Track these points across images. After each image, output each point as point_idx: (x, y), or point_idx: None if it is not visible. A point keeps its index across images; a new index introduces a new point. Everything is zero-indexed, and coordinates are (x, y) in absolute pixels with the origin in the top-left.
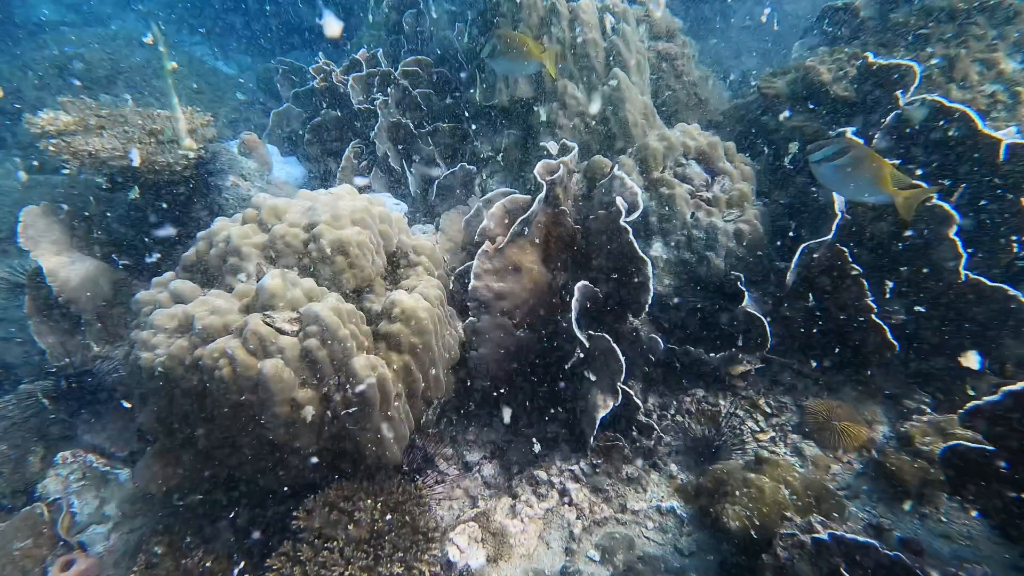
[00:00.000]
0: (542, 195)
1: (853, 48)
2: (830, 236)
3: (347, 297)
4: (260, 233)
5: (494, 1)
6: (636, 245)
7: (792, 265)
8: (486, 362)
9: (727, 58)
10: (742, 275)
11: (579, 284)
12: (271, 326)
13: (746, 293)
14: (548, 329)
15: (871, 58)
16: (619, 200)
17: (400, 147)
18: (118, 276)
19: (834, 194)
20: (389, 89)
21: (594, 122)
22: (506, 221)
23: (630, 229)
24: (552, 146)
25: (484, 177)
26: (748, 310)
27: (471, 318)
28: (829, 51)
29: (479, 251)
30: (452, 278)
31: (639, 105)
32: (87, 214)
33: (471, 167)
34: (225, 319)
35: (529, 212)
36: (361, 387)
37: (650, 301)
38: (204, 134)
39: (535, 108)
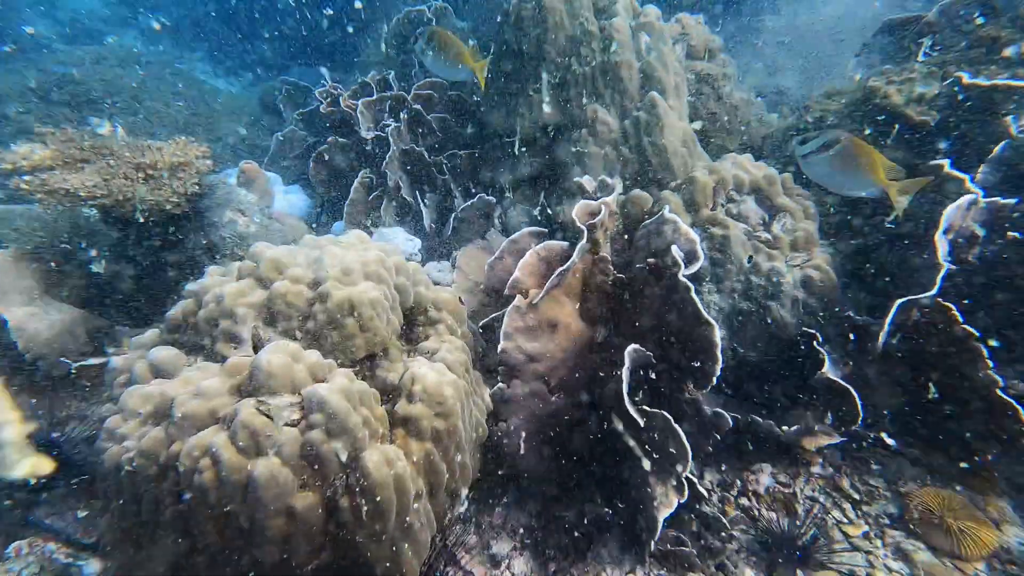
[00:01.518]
0: (583, 243)
1: (927, 66)
2: (933, 291)
3: (358, 366)
4: (258, 289)
5: (515, 20)
6: (700, 305)
7: (885, 325)
8: (517, 435)
9: (761, 76)
10: (817, 333)
11: (629, 349)
12: (266, 415)
13: (826, 357)
14: (589, 394)
15: (966, 78)
16: (675, 250)
17: (413, 177)
18: (98, 324)
19: (937, 240)
20: (402, 114)
21: (628, 150)
22: (539, 271)
23: (692, 287)
24: (588, 182)
25: (504, 208)
26: (831, 378)
27: (500, 384)
28: (896, 69)
29: (509, 308)
30: (478, 329)
31: (678, 131)
32: (65, 254)
33: (490, 198)
34: (211, 404)
35: (568, 264)
36: (374, 489)
37: (719, 373)
38: (198, 167)
39: (561, 134)
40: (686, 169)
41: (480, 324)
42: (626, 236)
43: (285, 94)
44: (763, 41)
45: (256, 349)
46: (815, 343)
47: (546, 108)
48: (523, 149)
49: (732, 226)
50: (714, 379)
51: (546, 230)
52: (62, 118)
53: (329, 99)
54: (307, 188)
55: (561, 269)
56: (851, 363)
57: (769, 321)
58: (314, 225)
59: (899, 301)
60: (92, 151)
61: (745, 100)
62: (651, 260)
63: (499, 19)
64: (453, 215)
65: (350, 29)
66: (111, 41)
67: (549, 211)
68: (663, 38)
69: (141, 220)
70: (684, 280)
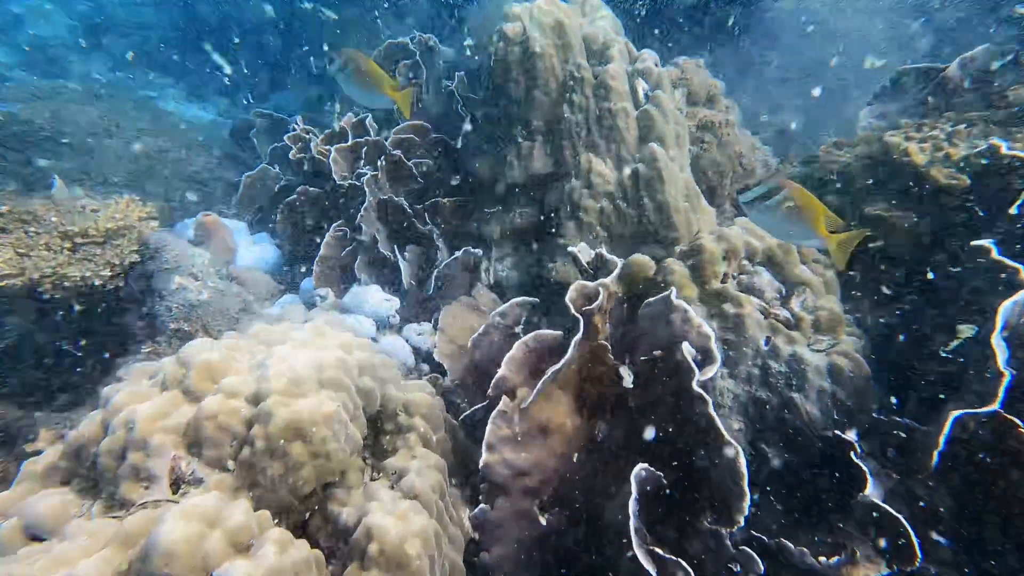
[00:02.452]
0: (578, 337)
1: (952, 123)
2: (994, 406)
3: (305, 503)
4: (184, 405)
5: (503, 65)
6: (720, 424)
7: (940, 442)
8: (501, 571)
9: (762, 111)
10: (856, 443)
11: (636, 471)
12: None
13: (868, 475)
14: (586, 509)
15: (1004, 148)
16: (686, 350)
17: (392, 229)
18: (12, 415)
19: (995, 344)
20: (380, 161)
21: (626, 204)
22: (529, 365)
23: (710, 401)
24: (583, 251)
25: (492, 261)
26: (879, 504)
27: (482, 506)
28: (915, 124)
29: (494, 413)
30: (458, 425)
31: (680, 185)
32: None
33: (476, 251)
34: None
35: (562, 362)
36: None
37: (747, 512)
38: (141, 231)
39: (554, 184)
40: (689, 226)
41: (460, 418)
42: (625, 305)
43: (259, 128)
44: (764, 77)
45: (174, 487)
46: (853, 454)
47: (537, 158)
48: (515, 198)
49: (746, 303)
50: (741, 520)
51: (536, 300)
52: (4, 164)
53: (300, 144)
54: (276, 239)
55: (554, 368)
56: (893, 474)
57: (791, 415)
58: (282, 285)
59: (954, 415)
60: (9, 217)
61: (749, 145)
62: (657, 353)
63: (488, 59)
64: (435, 271)
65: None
66: (74, 68)
67: (541, 268)
68: (662, 84)
69: (58, 298)
70: (699, 391)
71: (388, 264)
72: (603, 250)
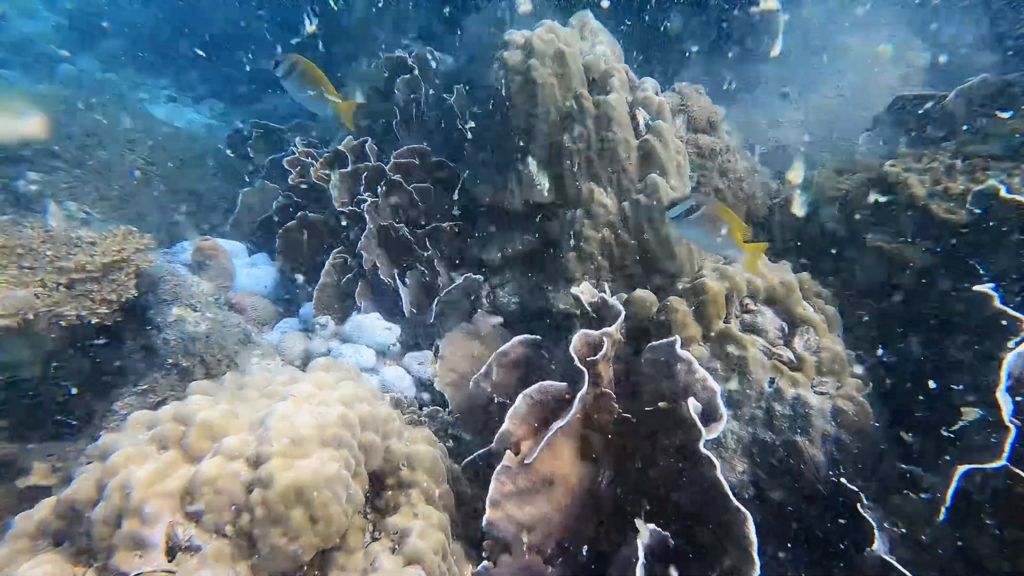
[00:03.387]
0: (583, 391)
1: (951, 155)
2: (1000, 462)
3: (303, 569)
4: (184, 465)
5: (503, 93)
6: (728, 489)
7: (947, 497)
8: None
9: (761, 129)
10: (861, 494)
11: (645, 535)
12: None
13: (876, 530)
14: (591, 560)
15: (1003, 192)
16: (692, 407)
17: (392, 255)
18: (3, 451)
19: (1001, 400)
20: (379, 187)
21: (627, 235)
22: (533, 417)
23: (718, 464)
24: (586, 291)
25: (493, 287)
26: (888, 560)
27: (485, 563)
28: (916, 154)
29: (498, 469)
30: (460, 471)
31: None
32: None
33: (477, 277)
34: None
35: (566, 419)
36: None
37: None
38: (138, 264)
39: (555, 212)
40: (691, 259)
41: (462, 465)
42: (625, 343)
43: (255, 138)
44: (761, 91)
45: (171, 555)
46: (859, 506)
47: (538, 186)
48: (516, 223)
49: (750, 345)
50: None
51: (539, 338)
52: None
53: (298, 169)
54: (275, 262)
55: (558, 425)
56: (898, 524)
57: (795, 459)
58: (281, 309)
59: (962, 470)
60: (3, 251)
61: (749, 169)
62: (662, 404)
63: (492, 87)
64: (436, 299)
65: (334, 49)
66: (64, 68)
67: (542, 295)
68: (663, 113)
69: (53, 336)
70: (706, 454)
71: (388, 290)
72: (607, 293)
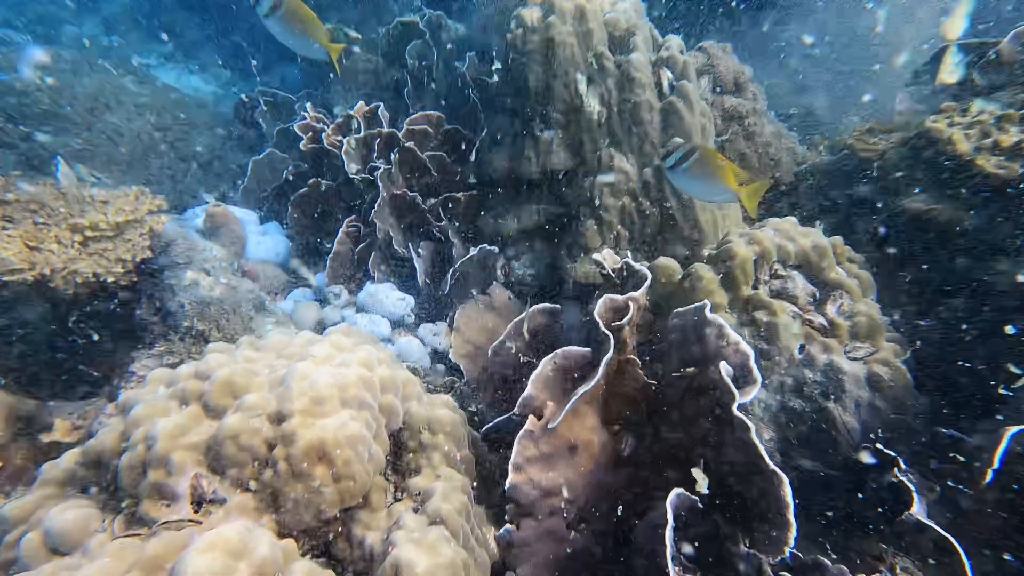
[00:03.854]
0: (608, 355)
1: (1004, 105)
2: None
3: (328, 526)
4: (205, 421)
5: (520, 53)
6: (764, 451)
7: (994, 459)
8: None
9: (787, 94)
10: (898, 458)
11: (672, 497)
12: None
13: (915, 493)
14: (616, 524)
15: None
16: (724, 371)
17: (406, 224)
18: (26, 407)
19: None
20: (392, 155)
21: (649, 203)
22: (556, 384)
23: (752, 427)
24: (608, 257)
25: (508, 258)
26: (927, 524)
27: (508, 526)
28: (960, 107)
29: (520, 433)
30: (479, 437)
31: None
32: None
33: (492, 248)
34: None
35: (592, 383)
36: None
37: (792, 544)
38: (152, 224)
39: (573, 179)
40: (715, 226)
41: (482, 431)
42: (652, 313)
43: (264, 106)
44: (788, 54)
45: (196, 506)
46: (897, 471)
47: (555, 152)
48: (533, 191)
49: (779, 310)
50: (787, 551)
51: (558, 307)
52: (3, 136)
53: (310, 134)
54: (287, 230)
55: (583, 390)
56: (937, 488)
57: (827, 426)
58: (294, 279)
59: (1012, 431)
60: (15, 206)
61: (775, 133)
62: (690, 370)
63: (503, 44)
64: (451, 270)
65: (336, 11)
66: (66, 29)
67: (559, 266)
68: (688, 73)
69: (69, 293)
70: (740, 417)
71: (402, 260)
72: (630, 258)
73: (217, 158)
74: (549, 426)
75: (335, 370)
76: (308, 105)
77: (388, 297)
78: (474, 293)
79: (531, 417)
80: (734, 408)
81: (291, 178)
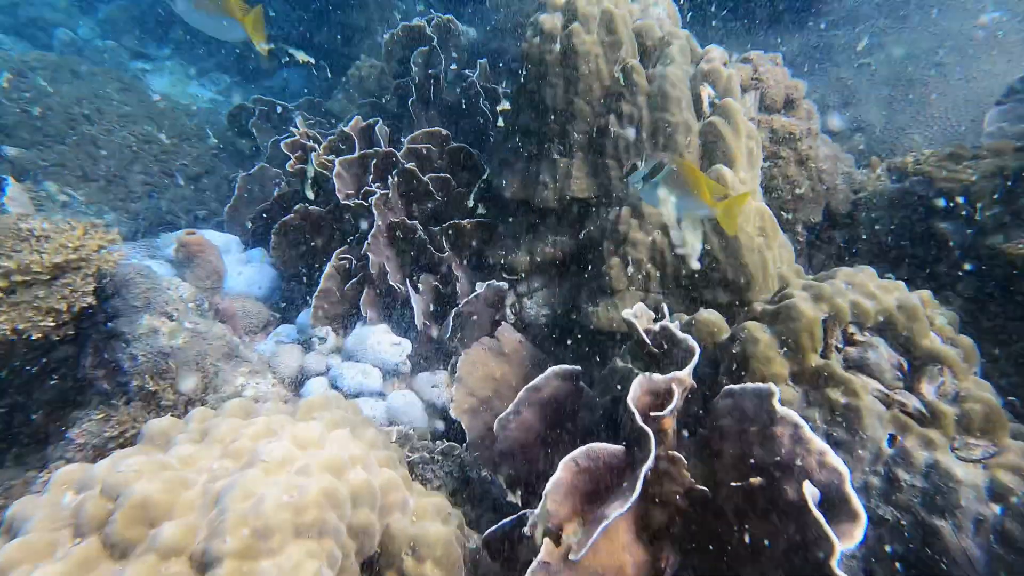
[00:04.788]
0: (647, 463)
1: None
2: None
3: None
4: (104, 563)
5: (537, 64)
6: None
7: None
8: None
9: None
10: None
11: None
12: None
13: None
14: None
15: None
16: (809, 496)
17: (404, 256)
18: None
19: None
20: (390, 177)
21: None
22: (580, 490)
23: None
24: (641, 315)
25: (519, 295)
26: None
27: None
28: None
29: (534, 565)
30: (481, 546)
31: (753, 216)
32: None
33: (501, 284)
34: None
35: (627, 506)
36: None
37: None
38: (100, 264)
39: (595, 209)
40: (764, 268)
41: (484, 536)
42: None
43: (258, 115)
44: (838, 62)
45: None
46: None
47: (576, 177)
48: (548, 221)
49: (860, 390)
50: None
51: (579, 369)
52: None
53: (299, 153)
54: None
55: (614, 514)
56: None
57: (935, 551)
58: (278, 313)
59: None
60: None
61: (831, 156)
62: (755, 481)
63: (519, 58)
64: (454, 309)
65: (345, 20)
66: (61, 33)
67: (577, 308)
68: (732, 89)
69: None
70: (836, 569)
71: (398, 298)
72: (667, 317)
73: (207, 172)
74: (571, 558)
75: (292, 482)
76: (298, 119)
77: (380, 343)
78: (480, 335)
79: (546, 543)
80: (833, 564)
81: (279, 199)
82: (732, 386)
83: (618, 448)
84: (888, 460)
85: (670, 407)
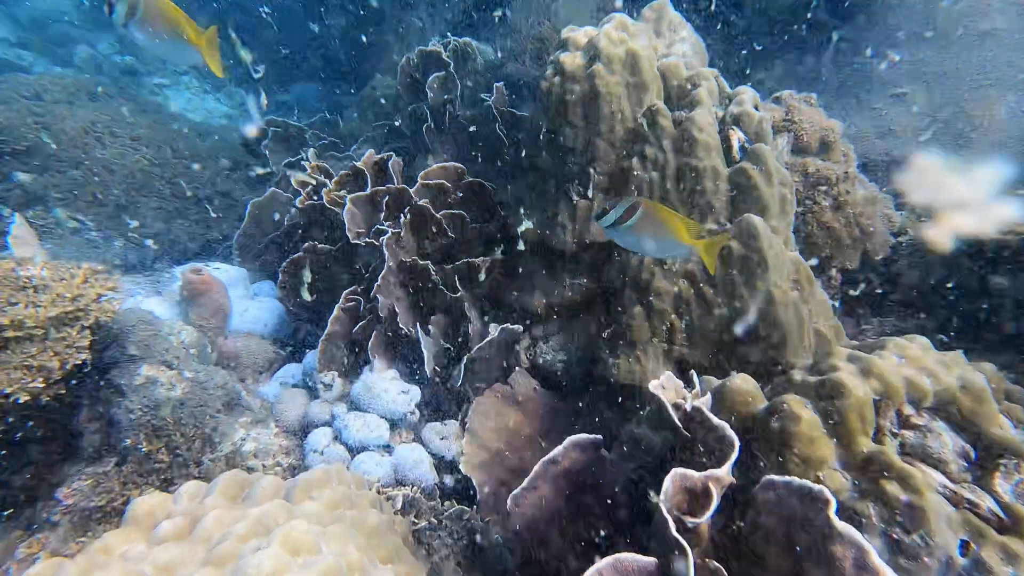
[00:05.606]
0: None
1: None
2: None
3: None
4: None
5: (557, 103)
6: None
7: None
8: None
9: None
10: None
11: None
12: None
13: None
14: None
15: None
16: None
17: (414, 297)
18: None
19: None
20: (402, 217)
21: (712, 290)
22: None
23: None
24: (670, 388)
25: (535, 339)
26: None
27: None
28: None
29: None
30: None
31: (786, 268)
32: None
33: (516, 328)
34: None
35: None
36: None
37: None
38: (97, 315)
39: (616, 254)
40: (800, 325)
41: None
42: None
43: (271, 137)
44: (870, 90)
45: None
46: None
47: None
48: (566, 264)
49: (924, 487)
50: None
51: (600, 438)
52: None
53: (309, 189)
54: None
55: None
56: None
57: None
58: (283, 352)
59: None
60: None
61: (868, 198)
62: None
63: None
64: (466, 356)
65: (362, 38)
66: (82, 50)
67: (595, 357)
68: (763, 133)
69: None
70: None
71: (408, 341)
72: (697, 387)
73: (219, 194)
74: None
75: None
76: (311, 152)
77: (388, 391)
78: (492, 382)
79: None
80: None
81: (288, 231)
82: (775, 477)
83: (649, 562)
84: (961, 571)
85: (708, 514)
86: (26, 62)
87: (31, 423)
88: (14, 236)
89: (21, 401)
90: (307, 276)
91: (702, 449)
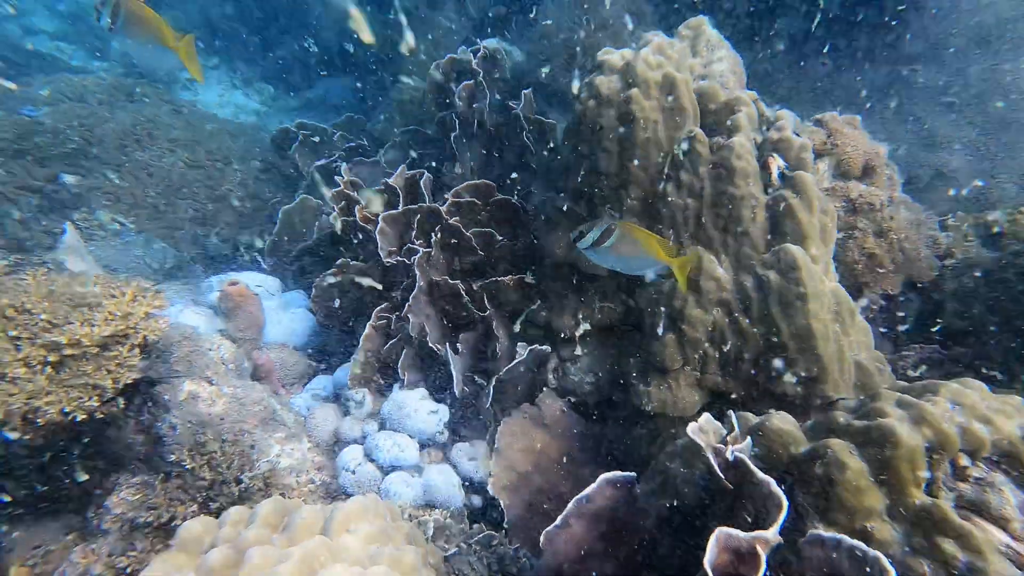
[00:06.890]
0: None
1: None
2: None
3: None
4: None
5: (591, 125)
6: None
7: None
8: None
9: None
10: None
11: None
12: None
13: None
14: None
15: None
16: None
17: (444, 317)
18: None
19: None
20: (433, 236)
21: (748, 321)
22: None
23: None
24: (710, 431)
25: (561, 360)
26: None
27: None
28: None
29: None
30: None
31: (826, 299)
32: None
33: (544, 349)
34: None
35: None
36: None
37: None
38: (145, 334)
39: (649, 283)
40: (841, 359)
41: None
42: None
43: (301, 140)
44: (916, 100)
45: None
46: None
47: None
48: (593, 288)
49: (985, 546)
50: None
51: (632, 476)
52: (29, 178)
53: (342, 205)
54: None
55: None
56: None
57: None
58: (314, 363)
59: None
60: None
61: (913, 221)
62: None
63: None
64: (495, 378)
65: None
66: (116, 44)
67: (624, 382)
68: (804, 159)
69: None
70: None
71: (438, 359)
72: (736, 428)
73: (251, 196)
74: None
75: None
76: (344, 167)
77: (418, 411)
78: (520, 402)
79: None
80: None
81: (321, 241)
82: (823, 533)
83: None
84: None
85: None
86: (66, 55)
87: (86, 439)
88: (68, 247)
89: (79, 420)
90: (339, 294)
91: (744, 503)
